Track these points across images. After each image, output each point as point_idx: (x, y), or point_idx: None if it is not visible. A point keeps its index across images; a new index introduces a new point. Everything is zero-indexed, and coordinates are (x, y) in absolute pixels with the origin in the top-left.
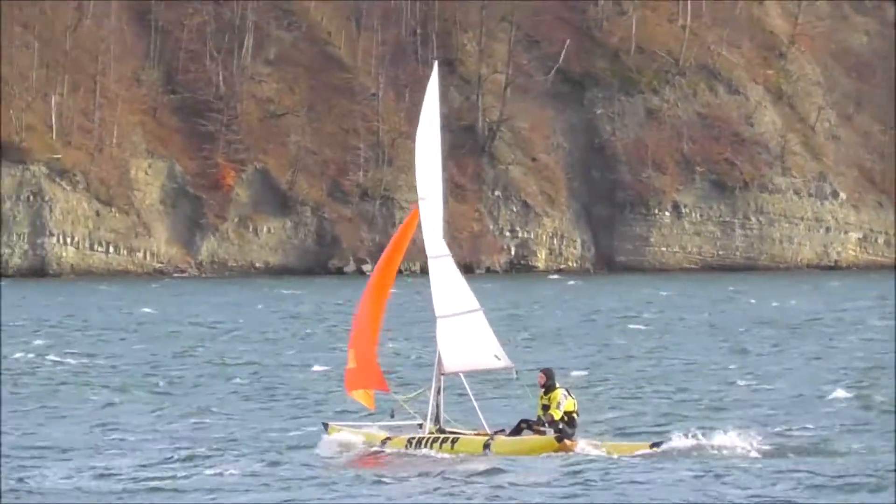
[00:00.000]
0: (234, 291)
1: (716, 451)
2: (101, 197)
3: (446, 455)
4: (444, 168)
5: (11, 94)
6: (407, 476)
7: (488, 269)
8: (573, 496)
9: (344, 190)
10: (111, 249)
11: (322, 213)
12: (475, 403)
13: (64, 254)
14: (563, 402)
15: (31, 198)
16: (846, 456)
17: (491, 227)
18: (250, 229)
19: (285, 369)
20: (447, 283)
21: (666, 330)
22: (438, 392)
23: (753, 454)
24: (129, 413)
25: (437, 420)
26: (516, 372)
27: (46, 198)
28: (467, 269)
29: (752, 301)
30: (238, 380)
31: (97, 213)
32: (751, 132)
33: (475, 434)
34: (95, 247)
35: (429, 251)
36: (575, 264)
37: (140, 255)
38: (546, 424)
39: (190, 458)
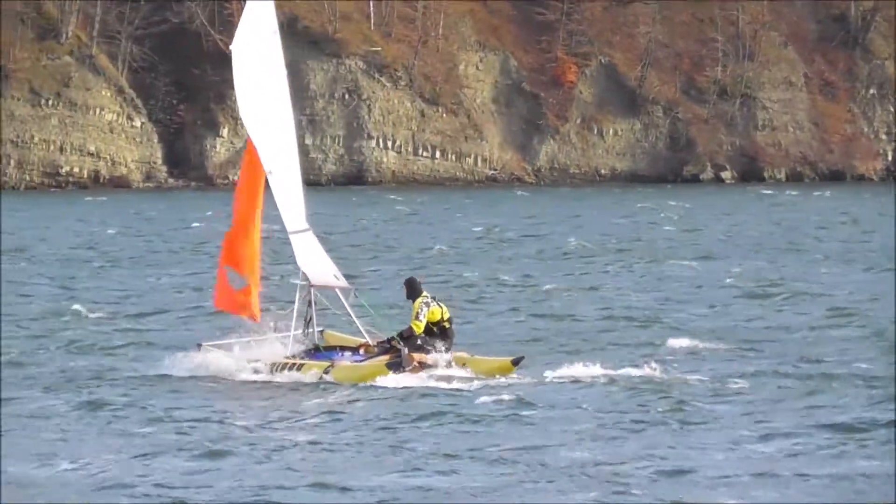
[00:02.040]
0: (577, 202)
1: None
2: (425, 95)
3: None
4: (812, 62)
5: None
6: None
7: (862, 177)
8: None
9: (700, 87)
10: (437, 154)
11: (675, 114)
12: (352, 314)
13: (384, 159)
14: (424, 310)
15: (347, 96)
16: None
17: (865, 129)
18: (595, 132)
19: None
20: (285, 199)
21: None
22: (310, 304)
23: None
24: None
25: (304, 332)
26: (355, 293)
27: (364, 96)
28: (837, 175)
29: None
30: None
31: (422, 114)
32: None
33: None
34: (420, 151)
35: (266, 168)
36: None
37: (470, 160)
38: (405, 339)
39: None
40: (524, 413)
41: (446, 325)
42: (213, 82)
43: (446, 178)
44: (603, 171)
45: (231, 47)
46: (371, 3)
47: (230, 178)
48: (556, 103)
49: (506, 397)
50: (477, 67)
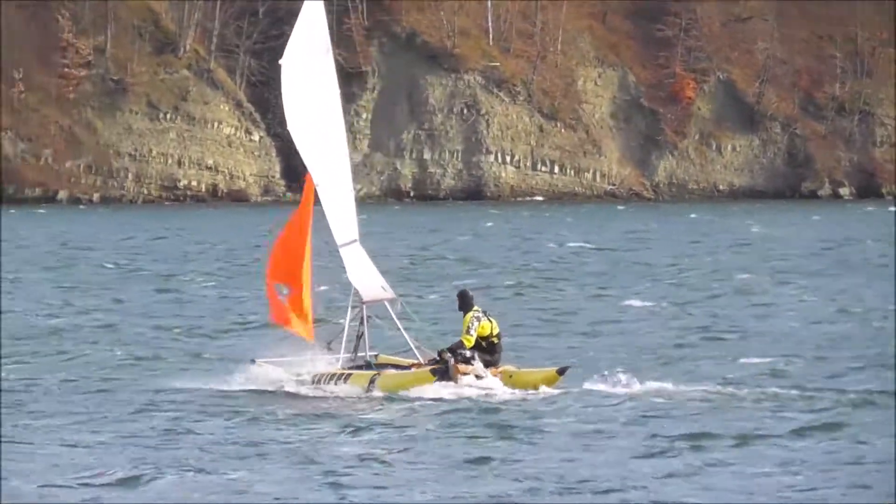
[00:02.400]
0: (682, 217)
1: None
2: (544, 110)
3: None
4: None
5: None
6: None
7: None
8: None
9: (818, 104)
10: (556, 169)
11: (794, 130)
12: (402, 330)
13: (503, 174)
14: (475, 324)
15: (466, 111)
16: None
17: None
18: (713, 147)
19: None
20: (335, 211)
21: None
22: (362, 322)
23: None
24: None
25: (355, 350)
26: (402, 304)
27: (483, 111)
28: None
29: None
30: None
31: (540, 129)
32: None
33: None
34: (538, 166)
35: (315, 181)
36: None
37: (588, 175)
38: (454, 352)
39: None
40: (602, 427)
41: (495, 340)
42: None
43: (565, 192)
44: (721, 187)
45: (280, 61)
46: (489, 19)
47: None
48: (675, 119)
49: (574, 415)
50: (595, 83)
